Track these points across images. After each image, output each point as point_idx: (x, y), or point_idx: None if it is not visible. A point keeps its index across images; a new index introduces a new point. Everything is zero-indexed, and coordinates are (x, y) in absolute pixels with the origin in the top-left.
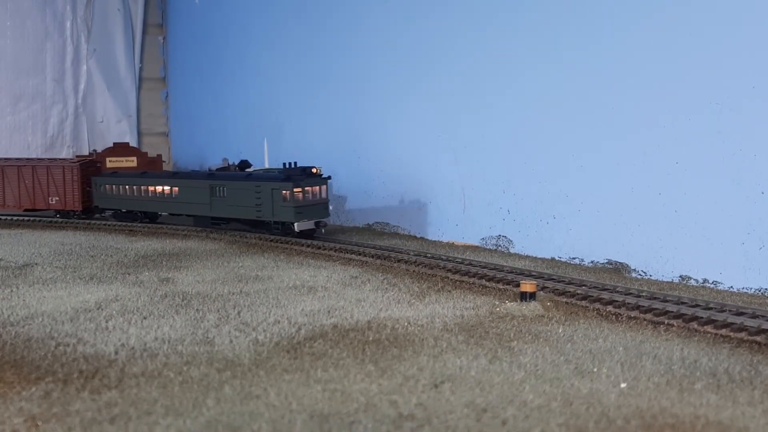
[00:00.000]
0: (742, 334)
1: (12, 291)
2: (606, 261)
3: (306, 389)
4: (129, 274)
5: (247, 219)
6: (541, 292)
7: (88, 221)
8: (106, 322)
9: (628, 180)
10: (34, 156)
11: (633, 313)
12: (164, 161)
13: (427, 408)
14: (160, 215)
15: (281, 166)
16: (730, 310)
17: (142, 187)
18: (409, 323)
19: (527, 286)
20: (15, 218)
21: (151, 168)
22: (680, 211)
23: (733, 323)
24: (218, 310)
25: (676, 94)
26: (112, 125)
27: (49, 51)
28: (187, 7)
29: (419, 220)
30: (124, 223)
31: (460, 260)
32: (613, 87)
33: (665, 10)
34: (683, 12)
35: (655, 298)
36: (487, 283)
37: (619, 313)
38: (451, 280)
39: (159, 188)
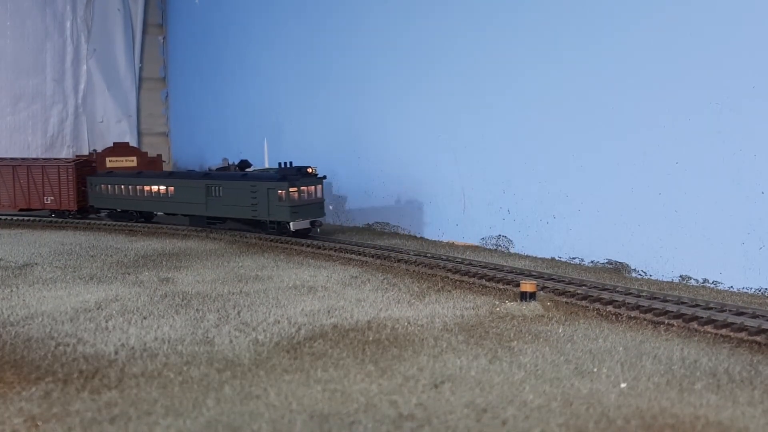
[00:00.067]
0: (742, 334)
1: (12, 291)
2: (606, 261)
3: (306, 389)
4: (129, 274)
5: (243, 218)
6: (541, 292)
7: (87, 221)
8: (106, 322)
9: (628, 180)
10: (34, 156)
11: (633, 313)
12: (164, 161)
13: (427, 408)
14: (156, 215)
15: (276, 166)
16: (730, 310)
17: (138, 187)
18: (409, 323)
19: (527, 286)
20: (15, 218)
21: (151, 168)
22: (680, 211)
23: (733, 323)
24: (218, 310)
25: (676, 94)
26: (112, 125)
27: (49, 51)
28: (187, 7)
29: (419, 220)
30: (123, 223)
31: (460, 260)
32: (613, 87)
33: (665, 10)
34: (683, 12)
35: (655, 298)
36: (487, 283)
37: (619, 313)
38: (451, 280)
39: (155, 188)
